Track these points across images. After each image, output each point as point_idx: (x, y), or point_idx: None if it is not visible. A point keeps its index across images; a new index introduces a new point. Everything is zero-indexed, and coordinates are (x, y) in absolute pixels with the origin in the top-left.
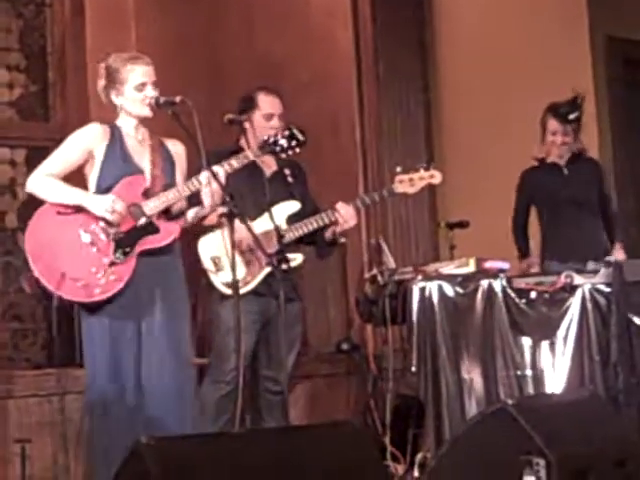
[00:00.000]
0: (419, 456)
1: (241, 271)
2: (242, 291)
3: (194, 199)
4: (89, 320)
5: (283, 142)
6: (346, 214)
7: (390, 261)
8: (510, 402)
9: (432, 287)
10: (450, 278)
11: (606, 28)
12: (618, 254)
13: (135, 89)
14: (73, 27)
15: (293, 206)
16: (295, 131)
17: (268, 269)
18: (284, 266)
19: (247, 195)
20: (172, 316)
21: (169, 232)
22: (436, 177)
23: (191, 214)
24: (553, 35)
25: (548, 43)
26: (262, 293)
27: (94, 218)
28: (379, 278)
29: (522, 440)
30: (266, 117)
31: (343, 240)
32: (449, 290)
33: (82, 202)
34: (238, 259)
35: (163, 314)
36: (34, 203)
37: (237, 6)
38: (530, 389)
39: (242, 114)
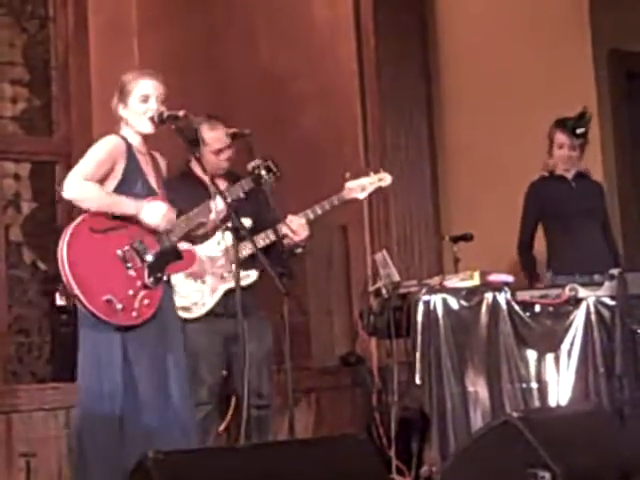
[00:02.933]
0: (424, 469)
1: (195, 296)
2: (198, 314)
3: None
4: (95, 336)
5: (266, 176)
6: (297, 227)
7: (394, 274)
8: (515, 415)
9: (436, 300)
10: (454, 291)
11: (609, 41)
12: None
13: (138, 100)
14: (76, 41)
15: (223, 237)
16: (271, 164)
17: (222, 290)
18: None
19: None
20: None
21: (192, 258)
22: (385, 180)
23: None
24: (556, 49)
25: (551, 57)
26: (220, 313)
27: (127, 238)
28: (383, 291)
29: (527, 453)
30: (215, 152)
31: (299, 251)
32: (453, 303)
33: (135, 212)
34: (189, 284)
35: (174, 338)
36: (38, 217)
37: (240, 20)
38: (535, 402)
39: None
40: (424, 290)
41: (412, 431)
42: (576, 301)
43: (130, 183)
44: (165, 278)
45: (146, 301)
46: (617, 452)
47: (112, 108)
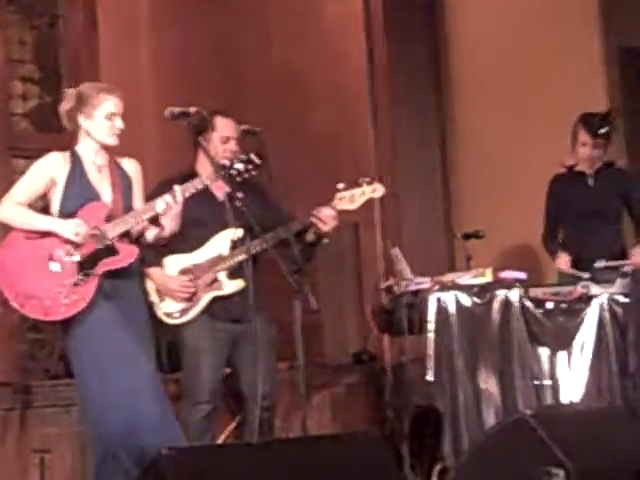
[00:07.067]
0: (437, 466)
1: (174, 306)
2: (184, 319)
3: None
4: (69, 343)
5: (240, 166)
6: (325, 217)
7: (406, 271)
8: (528, 412)
9: (449, 297)
10: (467, 288)
11: (620, 39)
12: (637, 256)
13: (105, 117)
14: (87, 38)
15: (235, 233)
16: (252, 156)
17: (209, 296)
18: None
19: (209, 222)
20: (135, 335)
21: (129, 254)
22: (377, 190)
23: (151, 235)
24: (567, 47)
25: (562, 55)
26: (213, 315)
27: (59, 242)
28: (395, 288)
29: (541, 451)
30: (223, 140)
31: (326, 241)
32: (466, 300)
33: (50, 227)
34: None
35: (126, 334)
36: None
37: (252, 19)
38: (548, 399)
39: (199, 135)
40: (436, 287)
41: (425, 428)
42: (588, 298)
43: (72, 191)
44: (99, 272)
45: (75, 296)
46: (630, 449)
47: (62, 114)
